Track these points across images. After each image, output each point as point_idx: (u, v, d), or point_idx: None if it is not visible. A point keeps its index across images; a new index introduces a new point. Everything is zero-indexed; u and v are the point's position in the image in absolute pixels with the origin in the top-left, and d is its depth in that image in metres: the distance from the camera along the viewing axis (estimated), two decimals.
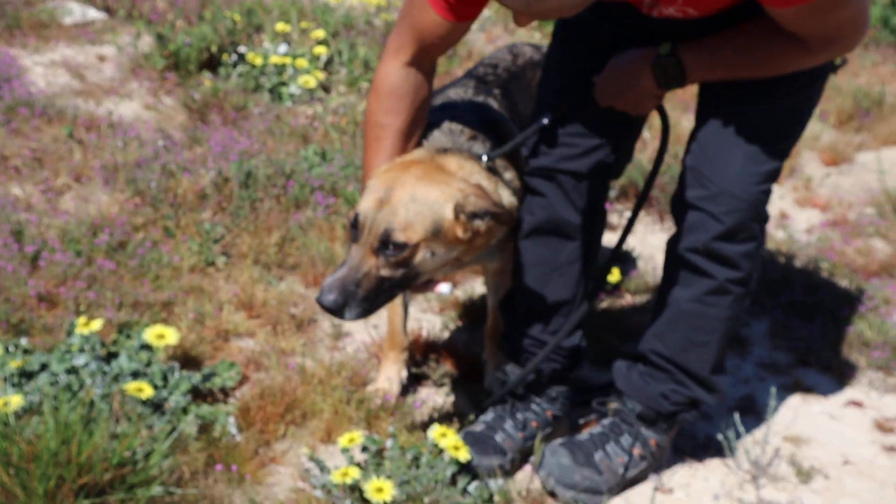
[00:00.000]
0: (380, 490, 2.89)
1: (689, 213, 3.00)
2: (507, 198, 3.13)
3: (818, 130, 6.38)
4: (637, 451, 3.23)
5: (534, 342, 3.29)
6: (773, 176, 2.98)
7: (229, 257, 4.28)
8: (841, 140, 6.34)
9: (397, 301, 3.53)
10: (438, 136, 3.11)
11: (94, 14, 6.92)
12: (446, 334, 4.01)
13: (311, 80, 5.86)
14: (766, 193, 2.98)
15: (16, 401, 2.97)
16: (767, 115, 2.92)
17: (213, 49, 6.04)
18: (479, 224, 2.86)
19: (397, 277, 2.82)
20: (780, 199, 5.51)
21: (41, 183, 4.65)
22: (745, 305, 3.16)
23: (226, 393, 3.48)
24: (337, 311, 2.77)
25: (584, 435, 3.28)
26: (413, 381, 3.69)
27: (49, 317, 3.73)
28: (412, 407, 3.50)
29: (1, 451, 2.74)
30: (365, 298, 2.78)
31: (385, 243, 2.77)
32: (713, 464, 3.41)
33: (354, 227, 2.83)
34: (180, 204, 4.51)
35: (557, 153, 3.12)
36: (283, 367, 3.59)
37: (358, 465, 3.03)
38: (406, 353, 3.62)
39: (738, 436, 3.43)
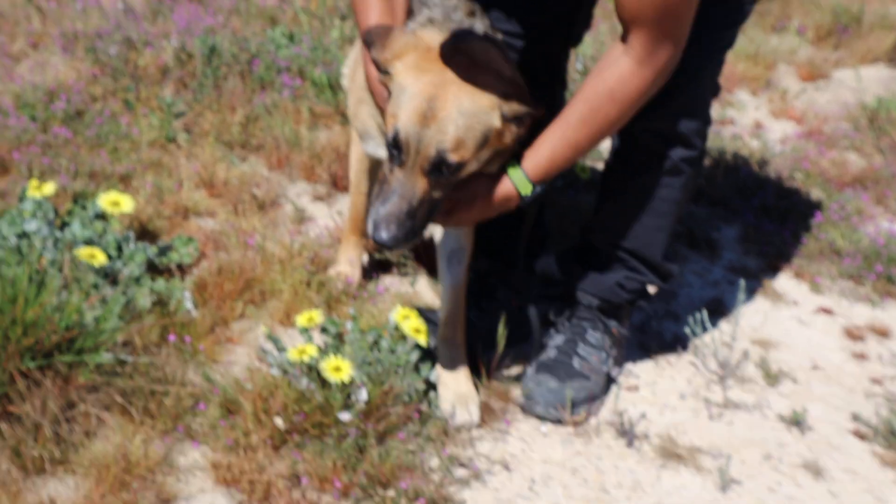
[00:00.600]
0: (337, 369, 2.80)
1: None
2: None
3: (795, 44, 6.27)
4: (606, 343, 3.16)
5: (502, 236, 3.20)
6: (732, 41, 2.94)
7: (191, 134, 4.13)
8: (818, 56, 6.23)
9: (362, 186, 3.40)
10: (434, 12, 2.82)
11: None
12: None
13: None
14: (721, 61, 2.94)
15: None
16: None
17: None
18: (520, 128, 2.64)
19: (448, 193, 2.61)
20: (756, 110, 5.42)
21: None
22: (693, 189, 3.10)
23: (182, 270, 3.36)
24: (396, 245, 2.54)
25: (550, 351, 3.17)
26: (377, 268, 3.59)
27: (1, 182, 3.58)
28: (375, 292, 3.40)
29: None
30: (418, 226, 2.55)
31: (438, 165, 2.52)
32: (680, 363, 3.35)
33: (396, 146, 2.54)
34: (141, 77, 4.34)
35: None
36: (243, 245, 3.46)
37: (317, 346, 2.93)
38: (366, 240, 3.49)
39: (706, 330, 3.36)
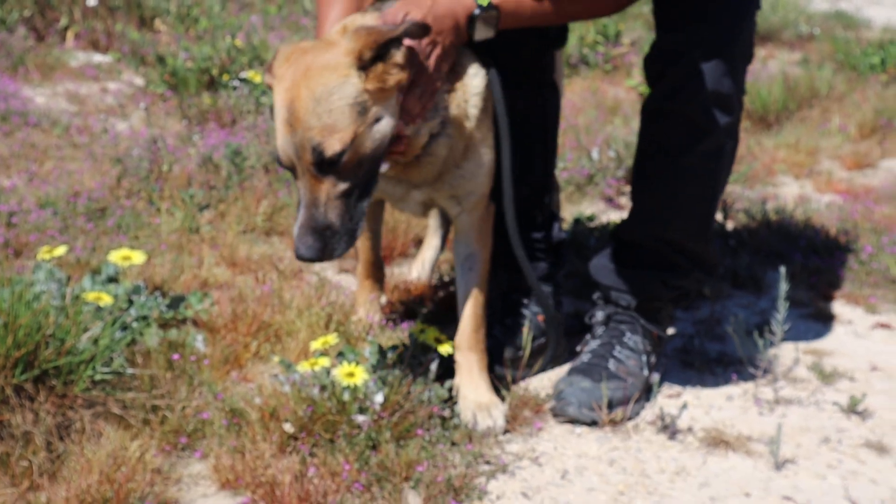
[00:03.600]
0: (351, 375, 2.62)
1: (675, 63, 2.79)
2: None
3: (838, 141, 6.15)
4: (646, 347, 2.94)
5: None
6: None
7: (213, 226, 4.08)
8: (862, 148, 6.10)
9: (367, 232, 3.27)
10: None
11: (99, 58, 6.90)
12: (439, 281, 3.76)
13: None
14: (751, 26, 2.83)
15: None
16: None
17: (214, 71, 5.96)
18: (396, 56, 2.39)
19: (358, 179, 2.41)
20: (800, 189, 5.26)
21: (25, 171, 4.51)
22: (729, 168, 2.94)
23: (197, 325, 3.23)
24: (323, 256, 2.38)
25: (585, 355, 2.98)
26: (399, 314, 3.43)
27: (17, 264, 3.53)
28: (398, 330, 3.23)
29: None
30: (342, 227, 2.38)
31: (321, 162, 2.34)
32: (726, 374, 3.11)
33: (282, 166, 2.43)
34: (166, 180, 4.34)
35: None
36: (260, 296, 3.34)
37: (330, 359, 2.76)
38: (382, 283, 3.36)
39: (752, 343, 3.13)
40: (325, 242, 2.38)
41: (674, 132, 2.84)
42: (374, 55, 2.39)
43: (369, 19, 2.60)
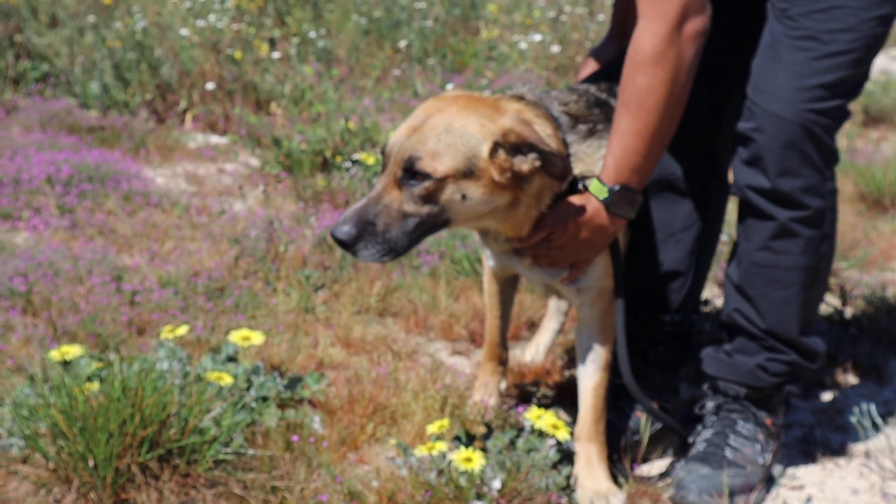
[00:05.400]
0: (468, 460, 2.62)
1: (740, 147, 2.81)
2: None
3: None
4: (760, 435, 2.89)
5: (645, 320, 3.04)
6: (832, 90, 2.71)
7: (328, 306, 4.14)
8: None
9: (495, 310, 3.31)
10: (528, 90, 2.88)
11: (216, 139, 7.09)
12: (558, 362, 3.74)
13: None
14: (822, 114, 2.72)
15: (92, 386, 2.82)
16: (810, 16, 2.71)
17: (327, 153, 6.07)
18: (523, 163, 2.52)
19: (423, 216, 2.49)
20: None
21: (147, 250, 4.63)
22: (825, 252, 2.87)
23: (313, 405, 3.27)
24: (350, 244, 2.45)
25: (700, 444, 2.94)
26: (517, 399, 3.42)
27: (140, 342, 3.62)
28: (514, 415, 3.22)
29: (65, 406, 2.59)
30: (384, 235, 2.46)
31: (409, 171, 2.46)
32: (850, 466, 3.03)
33: (381, 154, 2.55)
34: (282, 260, 4.42)
35: None
36: (375, 375, 3.37)
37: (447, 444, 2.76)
38: (505, 367, 3.36)
39: (878, 431, 3.04)
40: (360, 236, 2.46)
41: (745, 219, 2.87)
42: (513, 146, 2.50)
43: (537, 118, 2.68)
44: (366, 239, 2.46)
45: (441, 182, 2.47)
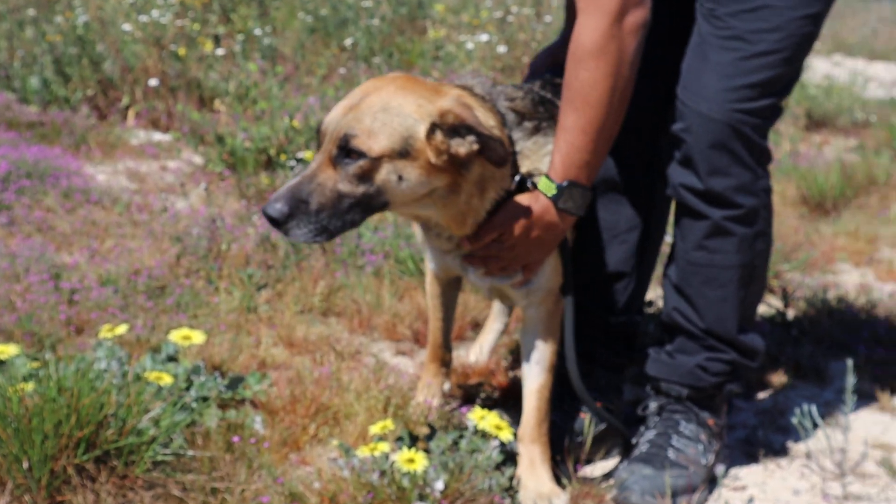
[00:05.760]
0: (411, 461, 2.59)
1: (673, 148, 2.84)
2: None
3: None
4: (703, 435, 2.89)
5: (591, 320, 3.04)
6: (760, 90, 2.73)
7: (271, 306, 4.09)
8: None
9: (438, 312, 3.28)
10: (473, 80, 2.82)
11: (159, 136, 7.02)
12: (502, 363, 3.72)
13: None
14: (750, 113, 2.73)
15: (27, 386, 2.75)
16: (737, 16, 2.73)
17: (272, 151, 6.02)
18: (460, 145, 2.47)
19: (357, 196, 2.44)
20: (861, 277, 5.19)
21: (87, 248, 4.56)
22: (760, 250, 2.89)
23: (255, 406, 3.22)
24: (282, 222, 2.40)
25: (643, 445, 2.94)
26: (461, 400, 3.40)
27: (78, 341, 3.56)
28: (456, 415, 3.20)
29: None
30: (317, 215, 2.41)
31: (344, 150, 2.42)
32: (791, 467, 3.06)
33: (316, 132, 2.51)
34: (224, 258, 4.37)
35: None
36: (318, 375, 3.33)
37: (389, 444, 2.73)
38: (448, 368, 3.34)
39: (817, 427, 3.06)
40: (292, 215, 2.41)
41: (680, 218, 2.90)
42: (450, 128, 2.46)
43: (481, 107, 2.64)
44: (298, 217, 2.41)
45: (376, 161, 2.43)
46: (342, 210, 2.44)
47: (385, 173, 2.45)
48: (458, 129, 2.47)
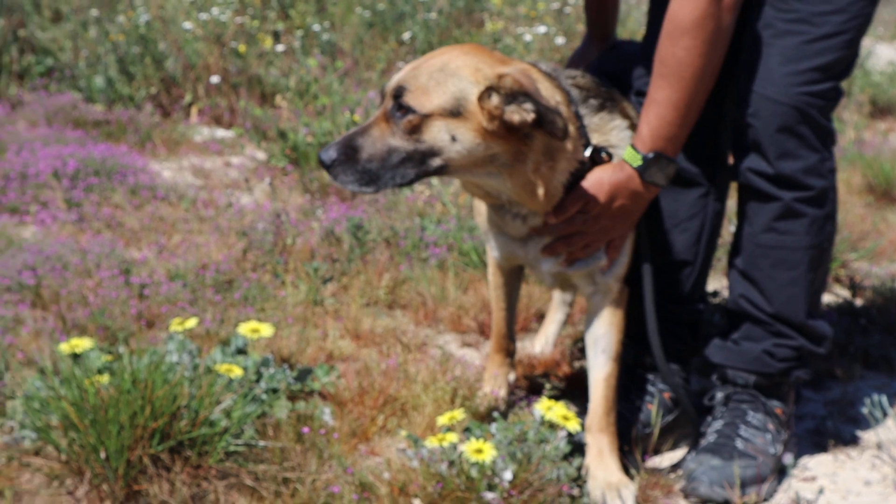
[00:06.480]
0: (479, 451, 2.61)
1: (738, 133, 2.82)
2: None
3: None
4: (770, 425, 2.88)
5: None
6: (825, 72, 2.73)
7: (337, 299, 4.13)
8: None
9: (501, 303, 3.29)
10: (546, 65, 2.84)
11: (222, 133, 7.09)
12: (567, 353, 3.73)
13: None
14: (816, 95, 2.73)
15: (102, 379, 2.81)
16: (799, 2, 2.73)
17: None
18: (514, 112, 2.45)
19: (408, 151, 2.45)
20: None
21: (155, 243, 4.63)
22: (829, 232, 2.87)
23: (323, 397, 3.26)
24: (330, 166, 2.46)
25: (710, 435, 2.93)
26: (527, 391, 3.41)
27: (149, 335, 3.62)
28: (524, 409, 3.21)
29: (76, 398, 2.59)
30: (367, 165, 2.45)
31: (396, 104, 2.45)
32: (862, 458, 3.03)
33: (383, 93, 2.56)
34: (290, 252, 4.41)
35: None
36: (385, 367, 3.36)
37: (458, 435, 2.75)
38: (513, 358, 3.35)
39: (886, 416, 3.03)
40: (344, 161, 2.47)
41: (744, 199, 2.89)
42: (508, 93, 2.45)
43: (546, 81, 2.66)
44: (347, 164, 2.46)
45: (427, 118, 2.46)
46: (392, 164, 2.47)
47: (436, 131, 2.46)
48: (515, 95, 2.45)
